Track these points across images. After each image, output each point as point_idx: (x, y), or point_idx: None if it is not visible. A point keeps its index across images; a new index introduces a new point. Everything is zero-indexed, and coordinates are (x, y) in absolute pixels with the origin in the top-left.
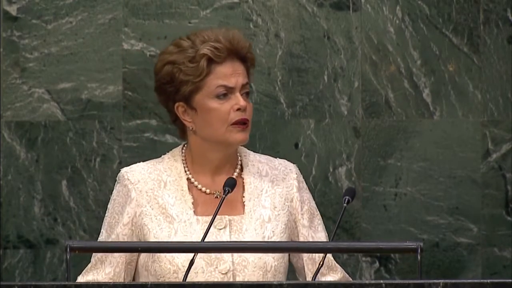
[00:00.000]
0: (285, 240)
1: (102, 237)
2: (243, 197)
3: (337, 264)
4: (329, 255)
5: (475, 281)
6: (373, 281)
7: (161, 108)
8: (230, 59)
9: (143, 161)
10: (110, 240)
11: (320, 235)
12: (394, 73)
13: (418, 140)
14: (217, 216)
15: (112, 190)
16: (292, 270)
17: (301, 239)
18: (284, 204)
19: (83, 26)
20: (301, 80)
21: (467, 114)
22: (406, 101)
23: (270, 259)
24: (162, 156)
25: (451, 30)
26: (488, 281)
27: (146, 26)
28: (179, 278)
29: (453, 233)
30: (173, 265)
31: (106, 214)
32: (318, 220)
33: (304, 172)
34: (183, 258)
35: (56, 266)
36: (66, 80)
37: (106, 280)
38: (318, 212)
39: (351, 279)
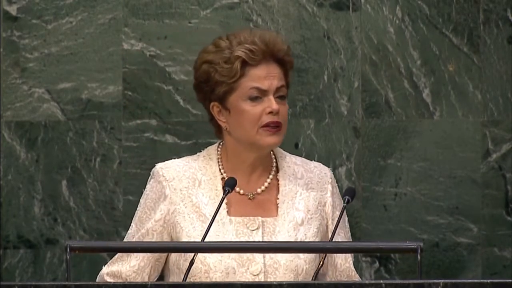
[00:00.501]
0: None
1: (131, 231)
2: (277, 199)
3: (357, 274)
4: (351, 265)
5: (475, 281)
6: (373, 281)
7: (161, 108)
8: (265, 61)
9: (144, 160)
10: (139, 234)
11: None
12: (394, 73)
13: (418, 140)
14: (251, 218)
15: (146, 186)
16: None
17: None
18: (317, 208)
19: (83, 26)
20: (301, 80)
21: (467, 114)
22: (406, 101)
23: (302, 262)
24: (198, 154)
25: (451, 30)
26: (488, 281)
27: (146, 26)
28: (210, 278)
29: (453, 233)
30: (204, 264)
31: (137, 208)
32: (345, 228)
33: None
34: (215, 259)
35: (56, 266)
36: (66, 80)
37: (130, 273)
38: (347, 218)
39: None
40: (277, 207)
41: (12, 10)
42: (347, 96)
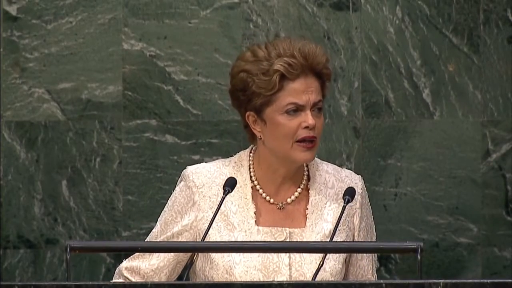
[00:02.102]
0: (344, 256)
1: (156, 230)
2: (306, 209)
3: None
4: (370, 273)
5: (475, 281)
6: (373, 281)
7: (161, 108)
8: (303, 75)
9: (144, 160)
10: (164, 236)
11: (366, 258)
12: (394, 73)
13: (418, 140)
14: (278, 228)
15: (175, 187)
16: None
17: (353, 257)
18: (346, 219)
19: (83, 26)
20: None
21: (467, 114)
22: (406, 101)
23: (327, 274)
24: (230, 159)
25: (451, 30)
26: (488, 281)
27: (146, 26)
28: None
29: (453, 233)
30: (230, 275)
31: (164, 209)
32: (373, 238)
33: None
34: (241, 269)
35: (56, 266)
36: (66, 80)
37: (148, 271)
38: (374, 228)
39: None
40: (306, 218)
41: (12, 10)
42: (347, 96)
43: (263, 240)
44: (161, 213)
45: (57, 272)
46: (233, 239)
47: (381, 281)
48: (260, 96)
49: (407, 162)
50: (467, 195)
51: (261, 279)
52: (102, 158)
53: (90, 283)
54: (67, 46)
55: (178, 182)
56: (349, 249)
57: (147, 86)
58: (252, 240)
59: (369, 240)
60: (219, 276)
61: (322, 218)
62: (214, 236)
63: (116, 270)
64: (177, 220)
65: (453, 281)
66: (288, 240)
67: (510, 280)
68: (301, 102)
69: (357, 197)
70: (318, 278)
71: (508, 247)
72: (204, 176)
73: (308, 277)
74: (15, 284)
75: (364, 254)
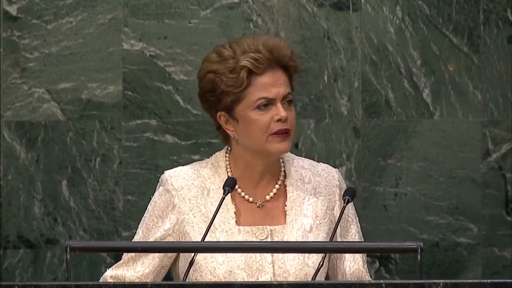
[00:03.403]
0: None
1: (138, 237)
2: (285, 206)
3: (368, 275)
4: (360, 266)
5: (475, 281)
6: (373, 281)
7: (161, 108)
8: (270, 69)
9: (144, 160)
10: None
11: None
12: (394, 73)
13: (418, 140)
14: (259, 227)
15: (154, 192)
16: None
17: (346, 258)
18: (326, 212)
19: (83, 26)
20: (301, 80)
21: (467, 114)
22: (406, 101)
23: (311, 270)
24: (206, 160)
25: (451, 30)
26: (488, 281)
27: (146, 26)
28: None
29: (453, 233)
30: (214, 276)
31: (144, 215)
32: (356, 228)
33: None
34: (225, 269)
35: (56, 266)
36: (66, 80)
37: (134, 278)
38: (357, 219)
39: None
40: (285, 214)
41: (12, 10)
42: (347, 96)
43: (244, 239)
44: (142, 220)
45: (57, 272)
46: (214, 240)
47: (381, 281)
48: (229, 95)
49: (407, 162)
50: (467, 195)
51: (245, 279)
52: (102, 158)
53: (90, 283)
54: (67, 46)
55: (157, 187)
56: (349, 249)
57: (147, 86)
58: (233, 240)
59: (352, 231)
60: (203, 278)
61: (301, 214)
62: (196, 238)
63: (101, 279)
64: (158, 225)
65: (453, 281)
66: (269, 238)
67: (510, 280)
68: (271, 95)
69: (335, 189)
70: (301, 274)
71: (508, 247)
72: (182, 179)
73: (291, 273)
74: (15, 284)
75: (351, 237)
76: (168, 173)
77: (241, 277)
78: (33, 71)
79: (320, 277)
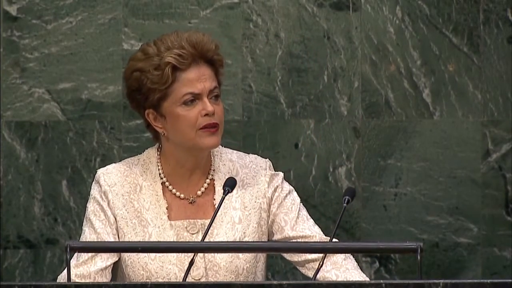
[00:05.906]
0: (257, 239)
1: (85, 235)
2: (214, 199)
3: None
4: (305, 230)
5: (475, 281)
6: (373, 281)
7: None
8: (195, 64)
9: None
10: (92, 238)
11: (293, 211)
12: (394, 73)
13: (418, 140)
14: (191, 221)
15: (90, 192)
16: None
17: (286, 229)
18: (255, 202)
19: (83, 26)
20: (301, 80)
21: (467, 114)
22: (406, 101)
23: (242, 261)
24: (138, 157)
25: (451, 30)
26: (488, 281)
27: (146, 26)
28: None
29: (453, 233)
30: (146, 271)
31: (85, 215)
32: (302, 211)
33: (304, 172)
34: (157, 265)
35: (56, 266)
36: (66, 80)
37: (97, 272)
38: (301, 203)
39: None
40: (214, 208)
41: (12, 10)
42: (347, 96)
43: (176, 234)
44: (84, 219)
45: (57, 272)
46: (147, 235)
47: (381, 281)
48: (155, 92)
49: (407, 162)
50: (467, 195)
51: (177, 273)
52: (102, 158)
53: (90, 283)
54: (67, 46)
55: (92, 186)
56: (349, 249)
57: None
58: (165, 235)
59: (292, 211)
60: (135, 273)
61: (230, 207)
62: (130, 233)
63: (59, 279)
64: (101, 218)
65: (453, 281)
66: (200, 232)
67: (510, 280)
68: (197, 90)
69: (263, 178)
70: (232, 266)
71: (508, 247)
72: (115, 175)
73: (222, 266)
74: (15, 284)
75: (289, 209)
76: (100, 171)
77: (173, 272)
78: (33, 71)
79: (252, 270)
